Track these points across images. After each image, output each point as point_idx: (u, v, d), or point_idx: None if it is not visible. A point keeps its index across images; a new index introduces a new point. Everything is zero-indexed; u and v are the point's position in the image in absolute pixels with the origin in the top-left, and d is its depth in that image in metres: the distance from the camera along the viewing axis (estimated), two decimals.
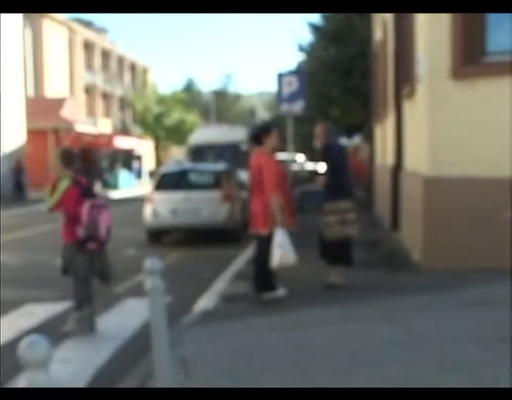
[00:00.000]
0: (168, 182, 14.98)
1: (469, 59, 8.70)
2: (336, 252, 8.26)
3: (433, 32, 8.87)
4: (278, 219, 7.43)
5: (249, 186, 8.18)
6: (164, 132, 56.21)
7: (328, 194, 8.26)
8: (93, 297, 7.22)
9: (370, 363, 5.15)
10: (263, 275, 7.72)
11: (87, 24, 55.81)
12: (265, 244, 7.51)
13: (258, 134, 7.89)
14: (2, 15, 25.77)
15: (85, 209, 6.84)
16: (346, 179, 8.38)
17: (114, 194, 37.32)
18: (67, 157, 7.12)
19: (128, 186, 42.84)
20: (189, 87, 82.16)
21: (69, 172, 7.06)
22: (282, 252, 7.35)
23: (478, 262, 8.49)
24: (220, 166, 15.85)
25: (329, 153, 8.37)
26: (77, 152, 39.13)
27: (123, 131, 55.07)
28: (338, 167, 8.28)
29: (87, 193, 7.03)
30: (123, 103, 59.54)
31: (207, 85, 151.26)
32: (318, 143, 8.60)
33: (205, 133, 25.21)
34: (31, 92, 41.12)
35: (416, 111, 10.00)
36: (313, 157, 37.03)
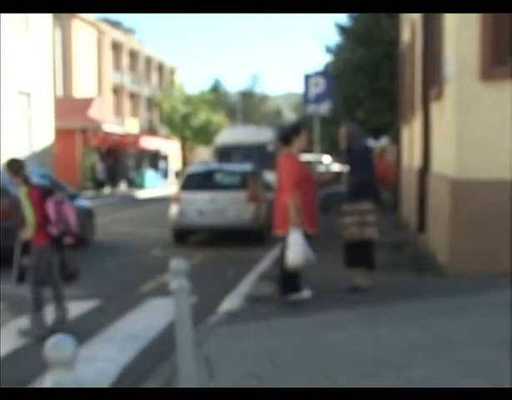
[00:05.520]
0: (194, 182, 15.01)
1: (498, 60, 8.62)
2: (356, 254, 8.21)
3: (461, 34, 8.79)
4: (293, 220, 7.42)
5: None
6: (191, 133, 56.34)
7: (349, 195, 8.26)
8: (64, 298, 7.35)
9: (396, 366, 5.12)
10: (288, 276, 7.71)
11: (116, 25, 56.17)
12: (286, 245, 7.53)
13: (288, 134, 7.90)
14: (34, 16, 26.05)
15: (50, 206, 6.96)
16: (370, 181, 8.33)
17: (140, 194, 37.56)
18: (14, 166, 7.21)
19: (154, 185, 43.05)
20: (216, 88, 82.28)
21: (19, 179, 7.16)
22: (292, 253, 7.34)
23: (505, 265, 8.38)
24: (246, 166, 15.84)
25: (351, 155, 8.35)
26: (104, 151, 39.63)
27: (150, 131, 55.33)
28: (360, 169, 8.24)
29: (47, 192, 7.19)
30: (151, 103, 59.83)
31: (233, 86, 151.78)
32: (342, 145, 8.59)
33: (231, 134, 25.22)
34: (59, 92, 41.51)
35: (444, 112, 9.92)
36: (339, 159, 36.92)
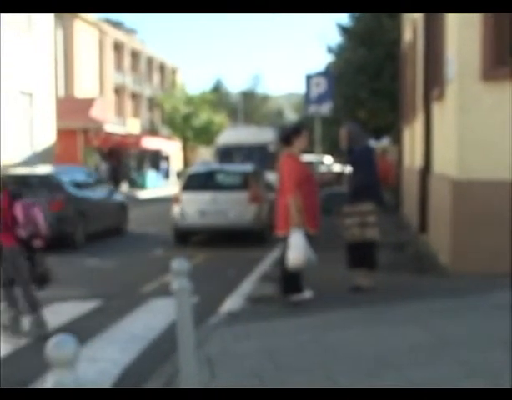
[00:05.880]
0: (195, 182, 15.02)
1: (499, 61, 8.62)
2: (358, 254, 8.21)
3: (463, 34, 8.79)
4: (295, 220, 7.42)
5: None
6: (192, 133, 56.31)
7: (350, 196, 8.27)
8: (18, 299, 7.33)
9: (397, 366, 5.12)
10: (289, 277, 7.71)
11: (117, 25, 56.13)
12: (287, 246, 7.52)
13: (289, 134, 7.90)
14: (36, 16, 26.05)
15: (18, 209, 7.02)
16: (371, 181, 8.33)
17: (142, 194, 37.56)
18: None
19: (155, 186, 43.06)
20: (217, 88, 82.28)
21: None
22: (293, 253, 7.34)
23: (506, 265, 8.38)
24: (248, 167, 15.84)
25: (352, 156, 8.35)
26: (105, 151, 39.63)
27: (152, 131, 55.30)
28: (362, 170, 8.24)
29: (16, 195, 7.24)
30: (152, 104, 59.81)
31: (235, 86, 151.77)
32: (343, 146, 8.61)
33: (233, 134, 25.22)
34: (61, 92, 41.50)
35: (445, 113, 9.92)
36: (340, 159, 36.97)
